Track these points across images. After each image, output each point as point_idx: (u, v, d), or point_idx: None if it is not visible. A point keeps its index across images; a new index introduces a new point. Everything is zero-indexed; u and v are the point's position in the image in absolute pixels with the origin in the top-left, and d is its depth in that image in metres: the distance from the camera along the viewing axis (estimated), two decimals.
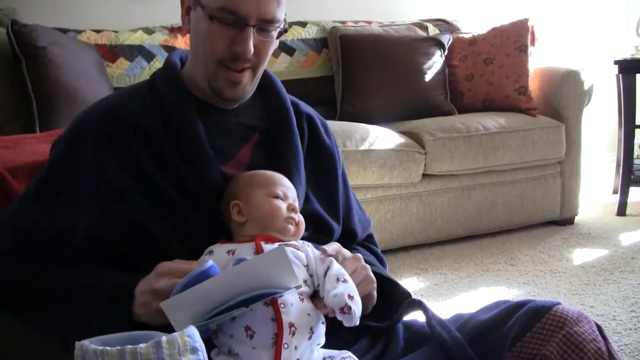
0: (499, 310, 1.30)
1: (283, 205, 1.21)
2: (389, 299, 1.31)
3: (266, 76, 1.43)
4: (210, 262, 1.06)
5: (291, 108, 1.42)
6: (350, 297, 1.08)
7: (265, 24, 1.24)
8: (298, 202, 1.29)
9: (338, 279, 1.11)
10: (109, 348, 0.93)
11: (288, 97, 1.45)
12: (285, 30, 1.31)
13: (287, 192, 1.24)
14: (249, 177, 1.26)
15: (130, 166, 1.23)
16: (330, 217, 1.39)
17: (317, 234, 1.34)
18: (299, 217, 1.23)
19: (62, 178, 1.26)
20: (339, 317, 1.07)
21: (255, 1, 1.21)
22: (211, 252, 1.16)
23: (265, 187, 1.23)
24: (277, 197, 1.22)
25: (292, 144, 1.36)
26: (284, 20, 1.28)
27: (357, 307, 1.08)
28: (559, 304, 1.24)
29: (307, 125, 1.45)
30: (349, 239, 1.45)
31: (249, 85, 1.32)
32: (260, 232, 1.18)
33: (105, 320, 1.11)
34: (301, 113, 1.45)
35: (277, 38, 1.30)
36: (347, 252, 1.25)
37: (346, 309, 1.06)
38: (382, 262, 1.52)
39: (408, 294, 1.33)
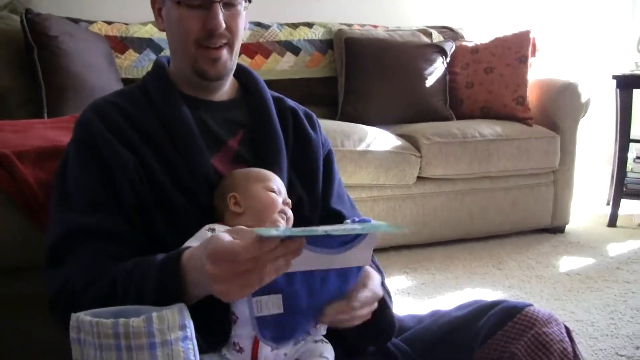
0: (473, 308, 1.36)
1: (279, 199, 1.28)
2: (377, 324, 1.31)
3: (250, 76, 1.50)
4: None
5: (272, 108, 1.47)
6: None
7: None
8: None
9: None
10: (103, 320, 0.99)
11: (270, 96, 1.50)
12: (249, 1, 1.38)
13: (281, 189, 1.31)
14: (245, 172, 1.32)
15: (133, 153, 1.29)
16: (308, 206, 1.42)
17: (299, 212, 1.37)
18: (290, 213, 1.30)
19: (91, 176, 1.29)
20: None
21: None
22: (213, 229, 1.21)
23: (262, 181, 1.29)
24: (273, 191, 1.29)
25: (273, 143, 1.42)
26: None
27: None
28: (531, 305, 1.30)
29: (292, 118, 1.50)
30: (337, 220, 1.44)
31: (229, 61, 1.38)
32: (255, 223, 1.23)
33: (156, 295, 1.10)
34: (285, 107, 1.51)
35: (244, 9, 1.38)
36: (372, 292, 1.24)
37: None
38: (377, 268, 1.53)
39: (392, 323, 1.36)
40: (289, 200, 1.31)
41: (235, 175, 1.31)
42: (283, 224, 1.27)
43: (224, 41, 1.35)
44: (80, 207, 1.27)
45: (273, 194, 1.28)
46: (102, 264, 1.21)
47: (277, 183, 1.31)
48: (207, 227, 1.23)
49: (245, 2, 1.37)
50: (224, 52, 1.36)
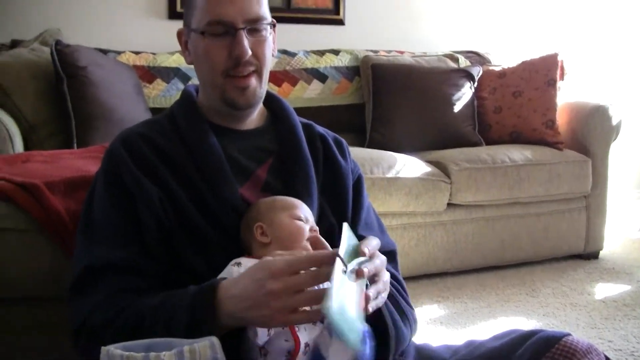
0: (510, 339, 1.33)
1: (306, 227, 1.27)
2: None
3: (279, 103, 1.50)
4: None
5: (302, 135, 1.47)
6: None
7: (253, 24, 1.32)
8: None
9: None
10: (134, 353, 0.98)
11: (299, 123, 1.49)
12: (273, 25, 1.38)
13: (308, 216, 1.30)
14: (270, 201, 1.31)
15: (157, 185, 1.29)
16: (339, 225, 1.40)
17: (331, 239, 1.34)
18: (322, 240, 1.27)
19: (116, 209, 1.30)
20: None
21: (238, 6, 1.30)
22: (239, 263, 1.20)
23: (288, 209, 1.28)
24: (299, 219, 1.27)
25: (303, 171, 1.41)
26: (270, 17, 1.36)
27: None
28: (570, 334, 1.26)
29: (322, 145, 1.49)
30: None
31: (259, 88, 1.38)
32: (284, 249, 1.21)
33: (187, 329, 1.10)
34: (315, 135, 1.50)
35: (270, 34, 1.37)
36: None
37: None
38: (402, 287, 1.49)
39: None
40: (317, 228, 1.29)
41: (260, 205, 1.30)
42: (311, 251, 1.24)
43: (252, 69, 1.35)
44: (104, 240, 1.28)
45: (299, 222, 1.27)
46: (124, 297, 1.21)
47: (304, 210, 1.30)
48: (233, 262, 1.22)
49: (270, 27, 1.37)
50: (253, 80, 1.36)
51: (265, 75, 1.40)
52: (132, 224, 1.27)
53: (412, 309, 1.45)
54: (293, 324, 1.08)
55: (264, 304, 1.04)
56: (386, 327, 1.29)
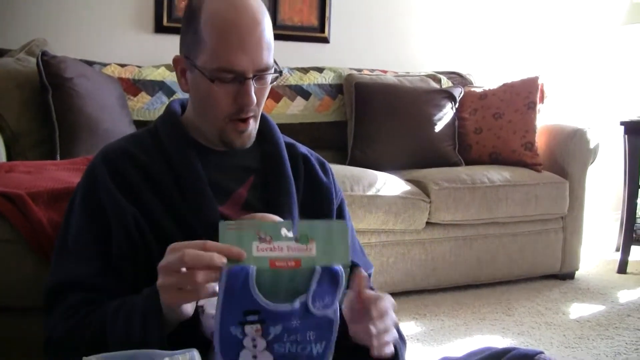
0: (484, 356, 1.35)
1: None
2: None
3: (263, 120, 1.49)
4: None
5: (285, 153, 1.48)
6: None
7: (261, 73, 1.32)
8: None
9: None
10: None
11: (283, 142, 1.51)
12: (280, 73, 1.38)
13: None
14: (248, 218, 1.31)
15: (136, 203, 1.30)
16: None
17: None
18: None
19: (89, 221, 1.32)
20: None
21: (249, 56, 1.28)
22: None
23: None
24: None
25: (285, 189, 1.42)
26: (275, 63, 1.36)
27: None
28: (542, 352, 1.28)
29: (304, 165, 1.51)
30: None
31: (254, 130, 1.40)
32: None
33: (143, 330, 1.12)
34: (297, 154, 1.51)
35: (272, 83, 1.38)
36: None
37: None
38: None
39: None
40: None
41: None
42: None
43: (252, 114, 1.36)
44: (76, 256, 1.31)
45: None
46: (86, 309, 1.25)
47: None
48: None
49: (276, 73, 1.37)
50: (251, 122, 1.37)
51: (259, 117, 1.41)
52: (103, 241, 1.29)
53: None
54: (177, 303, 1.08)
55: (160, 283, 1.08)
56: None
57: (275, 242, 1.04)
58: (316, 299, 1.05)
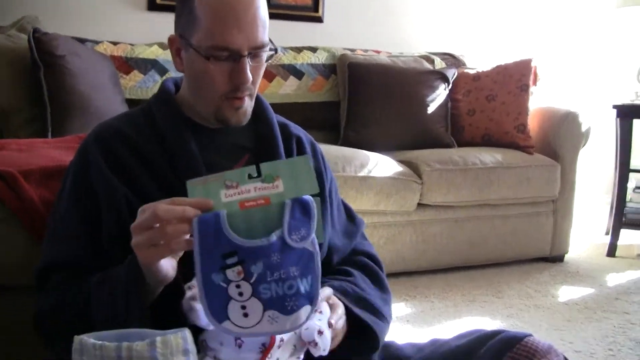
0: (473, 338, 1.36)
1: None
2: (364, 339, 1.37)
3: (257, 100, 1.49)
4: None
5: (278, 134, 1.48)
6: (320, 332, 1.15)
7: (256, 50, 1.32)
8: None
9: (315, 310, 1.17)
10: (107, 343, 0.99)
11: (276, 122, 1.51)
12: (275, 51, 1.38)
13: None
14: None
15: (129, 184, 1.30)
16: None
17: None
18: None
19: (78, 202, 1.33)
20: (307, 346, 1.16)
21: (244, 33, 1.28)
22: None
23: None
24: None
25: None
26: (270, 41, 1.36)
27: (323, 342, 1.16)
28: (531, 335, 1.30)
29: (296, 147, 1.51)
30: (327, 251, 1.49)
31: (249, 108, 1.39)
32: None
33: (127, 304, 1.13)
34: (291, 135, 1.52)
35: (267, 61, 1.38)
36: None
37: (312, 344, 1.15)
38: (378, 280, 1.54)
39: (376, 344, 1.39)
40: None
41: None
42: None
43: (247, 92, 1.36)
44: (65, 236, 1.32)
45: None
46: (70, 284, 1.27)
47: None
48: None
49: (271, 50, 1.37)
50: (247, 100, 1.37)
51: (254, 95, 1.41)
52: (91, 222, 1.30)
53: (390, 294, 1.52)
54: (151, 259, 1.08)
55: (133, 242, 1.09)
56: (368, 327, 1.35)
57: (242, 185, 1.06)
58: (292, 231, 1.05)
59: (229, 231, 1.03)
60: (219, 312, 1.03)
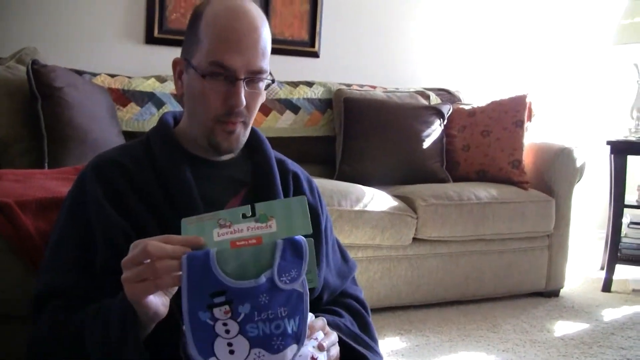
0: None
1: None
2: None
3: (255, 135, 1.51)
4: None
5: (276, 169, 1.49)
6: (313, 359, 1.16)
7: (253, 75, 1.34)
8: None
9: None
10: None
11: (274, 157, 1.52)
12: (272, 81, 1.40)
13: None
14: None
15: (126, 215, 1.31)
16: None
17: None
18: None
19: (74, 231, 1.34)
20: None
21: (243, 56, 1.31)
22: None
23: None
24: None
25: None
26: (269, 72, 1.38)
27: None
28: None
29: (293, 183, 1.52)
30: (320, 291, 1.48)
31: (242, 135, 1.40)
32: None
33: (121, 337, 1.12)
34: (287, 171, 1.53)
35: (265, 89, 1.40)
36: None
37: None
38: (366, 326, 1.54)
39: None
40: None
41: None
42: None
43: (241, 119, 1.37)
44: (59, 264, 1.32)
45: None
46: (64, 314, 1.26)
47: None
48: None
49: (269, 80, 1.39)
50: (239, 127, 1.38)
51: (249, 125, 1.43)
52: (86, 251, 1.30)
53: (376, 342, 1.50)
54: (139, 295, 1.07)
55: (123, 277, 1.08)
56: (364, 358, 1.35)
57: (235, 225, 1.07)
58: (282, 273, 1.05)
59: (218, 270, 1.03)
60: (205, 349, 1.04)
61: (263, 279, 1.04)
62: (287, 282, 1.05)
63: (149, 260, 1.05)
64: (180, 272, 1.04)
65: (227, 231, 1.06)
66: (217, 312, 1.03)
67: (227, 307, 1.03)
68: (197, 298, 1.03)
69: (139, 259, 1.06)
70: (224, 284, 1.03)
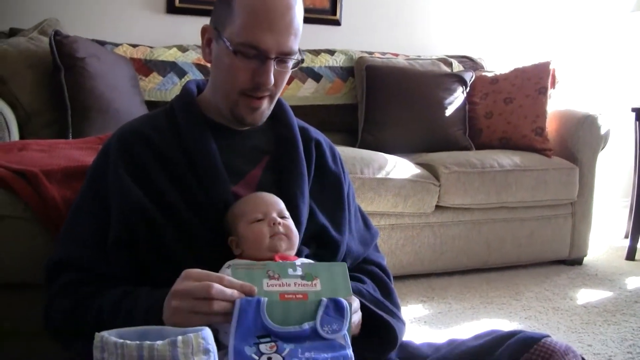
0: (491, 338, 1.37)
1: (264, 227, 1.27)
2: (384, 337, 1.38)
3: (278, 103, 1.51)
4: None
5: (299, 136, 1.50)
6: None
7: (283, 56, 1.34)
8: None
9: None
10: (128, 342, 1.00)
11: (297, 125, 1.52)
12: (301, 61, 1.40)
13: (266, 209, 1.30)
14: (231, 210, 1.33)
15: (146, 185, 1.32)
16: (334, 230, 1.44)
17: (320, 249, 1.41)
18: (285, 229, 1.29)
19: (92, 203, 1.37)
20: None
21: (276, 37, 1.31)
22: (229, 266, 1.21)
23: (243, 215, 1.29)
24: (256, 220, 1.28)
25: (297, 171, 1.44)
26: (299, 51, 1.38)
27: None
28: (549, 336, 1.30)
29: (315, 150, 1.52)
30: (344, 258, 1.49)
31: (267, 110, 1.42)
32: (255, 257, 1.25)
33: None
34: (310, 139, 1.53)
35: (293, 68, 1.39)
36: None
37: None
38: (389, 292, 1.54)
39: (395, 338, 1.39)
40: (276, 219, 1.29)
41: (227, 217, 1.33)
42: (283, 246, 1.28)
43: (268, 94, 1.38)
44: (76, 235, 1.35)
45: (256, 225, 1.28)
46: (82, 290, 1.30)
47: (260, 206, 1.31)
48: (227, 264, 1.25)
49: (298, 59, 1.39)
50: (265, 102, 1.39)
51: (275, 100, 1.43)
52: (102, 225, 1.33)
53: (399, 308, 1.51)
54: (187, 325, 1.10)
55: (168, 302, 1.13)
56: (386, 324, 1.37)
57: (283, 279, 1.15)
58: (324, 324, 1.13)
59: (267, 318, 1.11)
60: None
61: (306, 326, 1.12)
62: (329, 332, 1.13)
63: (206, 298, 1.09)
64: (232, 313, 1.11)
65: (276, 283, 1.15)
66: (263, 347, 1.10)
67: (272, 343, 1.11)
68: (244, 338, 1.09)
69: (198, 295, 1.09)
70: (271, 330, 1.11)
